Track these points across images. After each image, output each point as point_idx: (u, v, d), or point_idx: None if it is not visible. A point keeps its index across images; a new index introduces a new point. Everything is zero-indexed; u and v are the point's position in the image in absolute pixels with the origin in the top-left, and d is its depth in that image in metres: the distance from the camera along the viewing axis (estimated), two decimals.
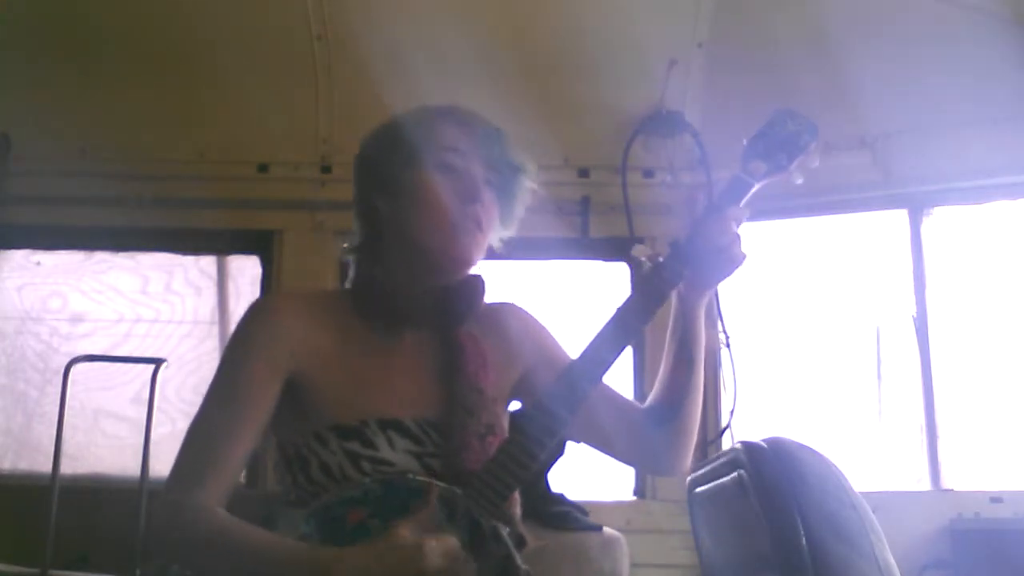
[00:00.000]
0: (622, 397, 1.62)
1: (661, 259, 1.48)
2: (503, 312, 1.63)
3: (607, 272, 3.37)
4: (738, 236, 1.49)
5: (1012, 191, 3.11)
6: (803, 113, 1.57)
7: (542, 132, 3.14)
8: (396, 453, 1.41)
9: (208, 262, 3.45)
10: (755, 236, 3.36)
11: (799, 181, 1.57)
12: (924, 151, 3.07)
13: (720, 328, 3.16)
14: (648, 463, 1.72)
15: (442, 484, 1.33)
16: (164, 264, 3.45)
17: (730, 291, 3.24)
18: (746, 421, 3.10)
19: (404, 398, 1.46)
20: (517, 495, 1.45)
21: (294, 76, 3.23)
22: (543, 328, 1.65)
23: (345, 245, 1.63)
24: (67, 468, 2.91)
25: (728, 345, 3.15)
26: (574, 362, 1.43)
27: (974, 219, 3.19)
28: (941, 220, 3.20)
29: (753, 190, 1.53)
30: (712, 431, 3.11)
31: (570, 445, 2.81)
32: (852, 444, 3.16)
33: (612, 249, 3.30)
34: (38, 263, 3.47)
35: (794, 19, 3.06)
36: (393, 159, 1.54)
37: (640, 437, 1.57)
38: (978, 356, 3.11)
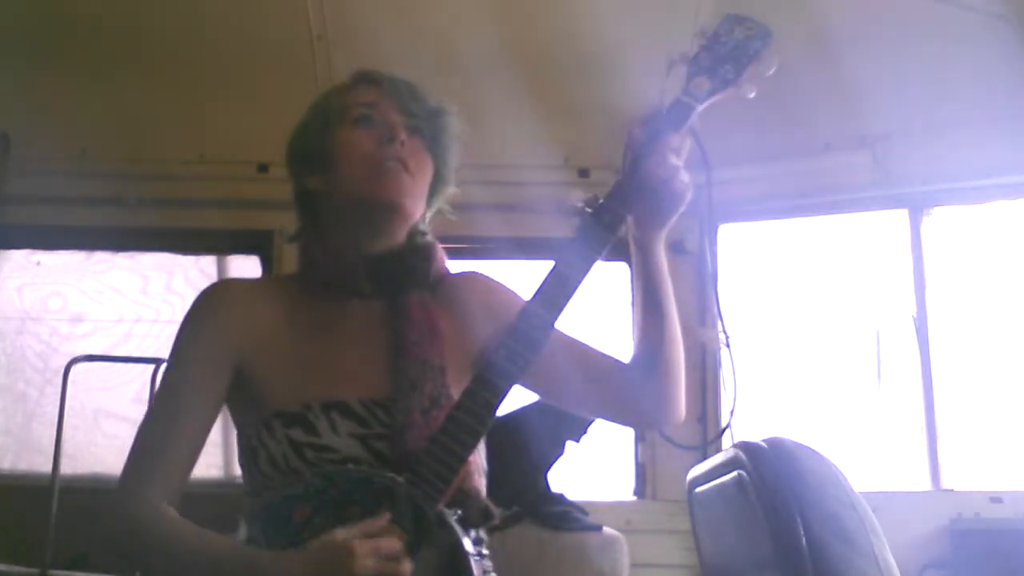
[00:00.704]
0: (600, 353, 1.53)
1: (601, 201, 1.39)
2: (463, 281, 1.56)
3: (607, 272, 3.37)
4: (678, 168, 1.40)
5: (1012, 191, 3.11)
6: (754, 17, 1.43)
7: (542, 132, 3.14)
8: (339, 438, 1.35)
9: (208, 262, 3.46)
10: (756, 236, 3.38)
11: (751, 95, 1.42)
12: (924, 151, 3.07)
13: (720, 328, 3.16)
14: (640, 417, 1.62)
15: (381, 473, 1.28)
16: (164, 264, 3.45)
17: (730, 291, 3.24)
18: (746, 421, 3.10)
19: (350, 377, 1.41)
20: (480, 465, 1.40)
21: (294, 76, 3.23)
22: (507, 292, 1.56)
23: (286, 235, 1.59)
24: (67, 468, 2.91)
25: (728, 345, 3.15)
26: (515, 323, 1.34)
27: (974, 219, 3.20)
28: (941, 220, 3.20)
29: (697, 112, 1.41)
30: (712, 431, 3.12)
31: (570, 445, 2.83)
32: (852, 444, 3.16)
33: (612, 249, 3.29)
34: (38, 263, 3.48)
35: (794, 19, 3.05)
36: (313, 135, 1.55)
37: (627, 392, 1.50)
38: (978, 356, 3.11)
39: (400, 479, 1.25)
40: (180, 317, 1.48)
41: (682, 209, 1.42)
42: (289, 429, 1.35)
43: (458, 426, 1.28)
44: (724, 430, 3.10)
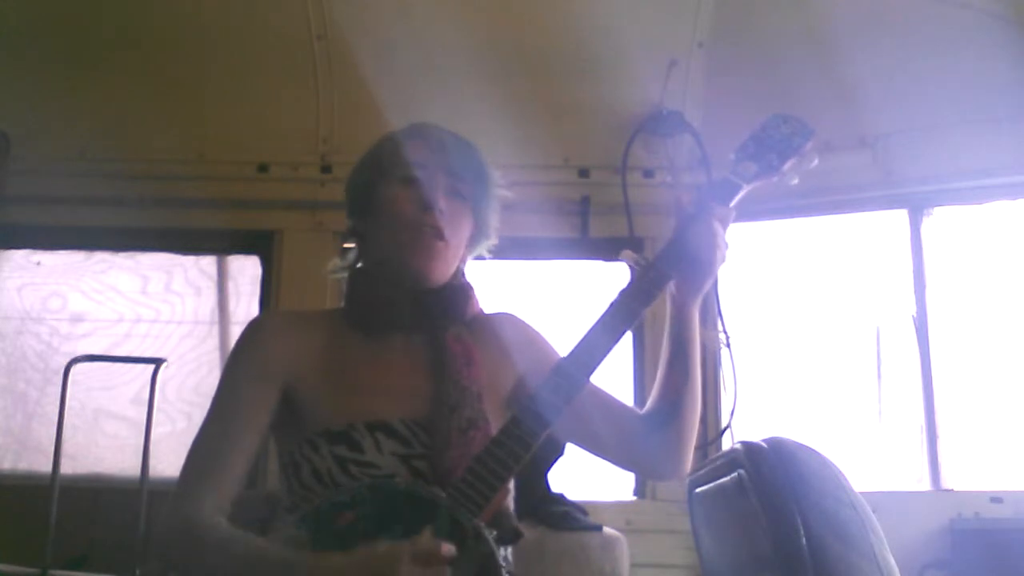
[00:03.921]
0: (619, 402, 1.64)
1: (650, 259, 1.51)
2: (499, 320, 1.67)
3: (607, 272, 3.37)
4: (720, 234, 1.52)
5: (1012, 191, 3.11)
6: (799, 116, 1.59)
7: (542, 132, 3.14)
8: (382, 456, 1.44)
9: (208, 262, 3.45)
10: (756, 236, 3.38)
11: (794, 182, 1.59)
12: (924, 151, 3.07)
13: (720, 328, 3.16)
14: (647, 468, 1.74)
15: (425, 487, 1.36)
16: (164, 264, 3.44)
17: (730, 291, 3.24)
18: (746, 421, 3.10)
19: (392, 399, 1.50)
20: (511, 487, 1.47)
21: (294, 76, 3.23)
22: (539, 336, 1.68)
23: (333, 266, 1.70)
24: (67, 468, 2.91)
25: (728, 345, 3.15)
26: (561, 362, 1.45)
27: (974, 219, 3.19)
28: (941, 220, 3.20)
29: (743, 191, 1.56)
30: (712, 431, 3.11)
31: (570, 446, 2.82)
32: (852, 444, 3.16)
33: (612, 249, 3.30)
34: (38, 263, 3.47)
35: (794, 19, 3.06)
36: (366, 180, 1.63)
37: (638, 442, 1.59)
38: (978, 356, 3.11)
39: (442, 493, 1.33)
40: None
41: (718, 271, 1.55)
42: (334, 446, 1.44)
43: (501, 448, 1.36)
44: (724, 430, 3.11)
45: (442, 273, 1.57)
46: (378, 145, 1.66)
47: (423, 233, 1.54)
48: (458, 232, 1.59)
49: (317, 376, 1.53)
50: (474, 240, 1.65)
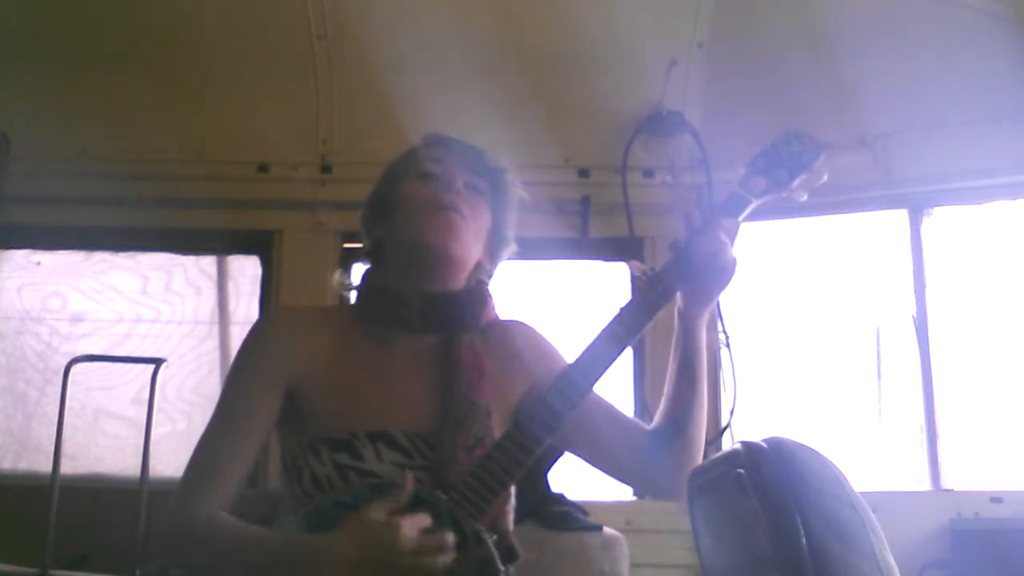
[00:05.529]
0: (626, 416, 1.64)
1: (655, 271, 1.51)
2: (512, 328, 1.66)
3: (607, 272, 3.37)
4: (726, 244, 1.52)
5: (1012, 191, 3.11)
6: (810, 134, 1.60)
7: (542, 132, 3.14)
8: (382, 464, 1.44)
9: (208, 262, 3.45)
10: (755, 236, 3.37)
11: (803, 198, 1.59)
12: (924, 151, 3.07)
13: (720, 328, 3.16)
14: (649, 483, 1.73)
15: (427, 489, 1.36)
16: (164, 264, 3.44)
17: (730, 291, 3.24)
18: (746, 421, 3.10)
19: (397, 410, 1.50)
20: (512, 507, 1.47)
21: (294, 76, 3.23)
22: (551, 347, 1.67)
23: (341, 280, 1.74)
24: (67, 468, 2.91)
25: (728, 345, 3.15)
26: (566, 370, 1.45)
27: (974, 219, 3.20)
28: (941, 220, 3.20)
29: (751, 206, 1.57)
30: (712, 431, 3.11)
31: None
32: (852, 444, 3.16)
33: (612, 249, 3.30)
34: (38, 263, 3.47)
35: (794, 19, 3.06)
36: (382, 188, 1.65)
37: (644, 456, 1.59)
38: (978, 356, 3.11)
39: (443, 496, 1.34)
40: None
41: (727, 285, 1.55)
42: (335, 454, 1.44)
43: (504, 454, 1.37)
44: (724, 430, 3.11)
45: (462, 254, 1.56)
46: (394, 159, 1.69)
47: (440, 209, 1.54)
48: (476, 216, 1.59)
49: (323, 379, 1.52)
50: (492, 244, 1.65)
